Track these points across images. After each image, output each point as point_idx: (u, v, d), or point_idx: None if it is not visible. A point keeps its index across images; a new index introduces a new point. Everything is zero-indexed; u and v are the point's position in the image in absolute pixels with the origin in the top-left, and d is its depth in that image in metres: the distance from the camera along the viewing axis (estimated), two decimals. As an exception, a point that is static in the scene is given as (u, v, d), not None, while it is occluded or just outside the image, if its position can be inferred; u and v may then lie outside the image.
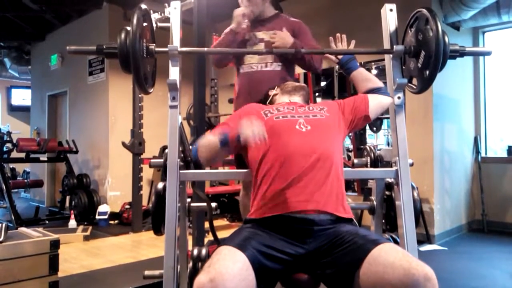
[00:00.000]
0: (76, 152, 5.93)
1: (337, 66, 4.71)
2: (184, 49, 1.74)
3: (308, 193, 1.47)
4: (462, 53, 1.66)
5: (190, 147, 1.72)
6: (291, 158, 1.52)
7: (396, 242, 1.71)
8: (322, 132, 1.62)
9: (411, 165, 1.71)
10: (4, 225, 2.39)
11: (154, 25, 2.78)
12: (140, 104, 4.70)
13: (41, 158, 5.92)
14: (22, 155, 5.66)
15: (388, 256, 1.25)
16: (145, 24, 1.65)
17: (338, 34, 1.91)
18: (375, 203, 1.86)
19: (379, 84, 1.85)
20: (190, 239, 2.90)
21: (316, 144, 1.56)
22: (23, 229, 2.73)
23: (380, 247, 1.30)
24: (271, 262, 1.35)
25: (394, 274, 1.19)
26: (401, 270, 1.18)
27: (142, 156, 4.75)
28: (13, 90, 10.20)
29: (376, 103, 1.78)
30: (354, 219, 1.57)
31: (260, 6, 2.35)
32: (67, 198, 5.85)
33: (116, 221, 5.33)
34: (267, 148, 1.57)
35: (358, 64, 1.93)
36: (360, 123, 1.80)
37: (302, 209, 1.45)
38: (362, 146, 3.36)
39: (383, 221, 1.86)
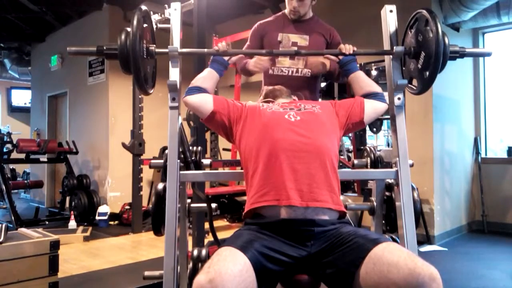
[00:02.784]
0: (76, 153, 5.93)
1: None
2: (184, 50, 1.74)
3: (296, 186, 1.47)
4: (462, 54, 1.66)
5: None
6: (277, 148, 1.52)
7: (396, 242, 1.71)
8: (312, 123, 1.62)
9: (411, 166, 1.71)
10: (4, 225, 2.39)
11: (154, 26, 2.77)
12: (140, 105, 4.70)
13: (41, 159, 5.92)
14: (22, 156, 5.66)
15: (393, 256, 1.24)
16: (145, 25, 1.65)
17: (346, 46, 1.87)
18: (375, 204, 1.86)
19: (377, 89, 1.83)
20: (190, 240, 2.90)
21: (304, 133, 1.57)
22: (23, 230, 2.73)
23: (383, 246, 1.30)
24: (272, 264, 1.35)
25: (399, 274, 1.19)
26: (406, 270, 1.18)
27: (142, 157, 4.75)
28: (13, 91, 10.19)
29: (371, 109, 1.78)
30: (347, 214, 1.58)
31: (307, 7, 2.28)
32: (67, 198, 5.84)
33: (116, 222, 5.32)
34: (255, 136, 1.60)
35: (358, 66, 1.93)
36: (354, 127, 1.80)
37: (294, 203, 1.45)
38: (362, 147, 3.36)
39: (383, 221, 1.86)
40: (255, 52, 2.27)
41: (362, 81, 1.87)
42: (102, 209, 5.16)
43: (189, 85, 1.79)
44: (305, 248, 1.42)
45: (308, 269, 1.44)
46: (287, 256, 1.39)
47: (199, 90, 1.77)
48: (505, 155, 5.13)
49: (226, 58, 1.85)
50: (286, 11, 2.32)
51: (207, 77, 1.82)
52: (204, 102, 1.73)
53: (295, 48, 2.20)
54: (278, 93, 1.91)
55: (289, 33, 2.27)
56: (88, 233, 4.36)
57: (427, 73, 1.58)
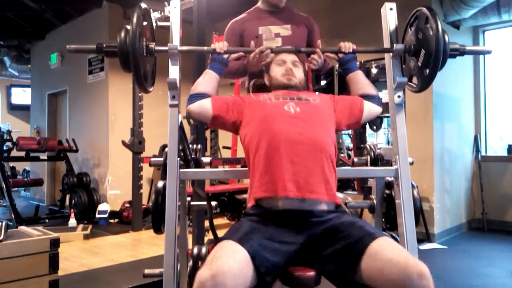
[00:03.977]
0: (76, 151, 5.93)
1: (337, 65, 4.71)
2: (184, 48, 1.73)
3: (294, 178, 1.50)
4: (462, 52, 1.66)
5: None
6: (277, 140, 1.55)
7: (396, 240, 1.71)
8: (311, 115, 1.64)
9: (411, 163, 1.71)
10: (4, 224, 2.39)
11: (154, 24, 2.76)
12: (140, 103, 4.70)
13: (41, 157, 5.92)
14: (22, 153, 5.66)
15: (388, 253, 1.28)
16: (145, 23, 1.65)
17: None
18: (375, 201, 1.86)
19: (374, 92, 1.86)
20: (190, 238, 2.91)
21: (303, 125, 1.58)
22: (23, 228, 2.73)
23: (380, 243, 1.33)
24: (271, 254, 1.38)
25: (392, 271, 1.23)
26: (398, 267, 1.22)
27: (142, 155, 4.75)
28: (13, 89, 10.19)
29: (367, 111, 1.80)
30: (342, 205, 1.60)
31: None
32: (67, 196, 5.84)
33: (116, 220, 5.32)
34: (255, 128, 1.62)
35: (358, 66, 1.93)
36: (349, 126, 1.83)
37: (290, 195, 1.48)
38: (362, 145, 3.36)
39: (383, 219, 1.86)
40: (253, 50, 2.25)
41: (361, 82, 1.88)
42: (102, 207, 5.15)
43: (190, 92, 1.78)
44: (302, 236, 1.46)
45: (307, 260, 1.46)
46: (286, 244, 1.42)
47: (199, 96, 1.75)
48: (505, 153, 5.13)
49: (225, 56, 1.84)
50: (260, 4, 2.27)
51: (206, 80, 1.81)
52: (204, 110, 1.74)
53: (280, 39, 2.16)
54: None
55: (269, 25, 2.20)
56: (88, 231, 4.37)
57: (427, 71, 1.58)
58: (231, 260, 1.24)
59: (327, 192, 1.53)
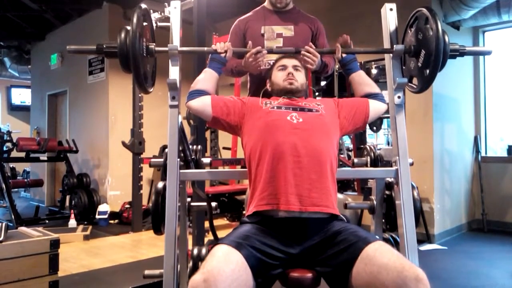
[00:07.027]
0: (76, 151, 5.93)
1: (337, 66, 4.72)
2: (184, 48, 1.74)
3: (297, 191, 1.50)
4: (462, 53, 1.66)
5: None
6: (279, 152, 1.54)
7: (396, 241, 1.72)
8: (314, 125, 1.63)
9: (411, 164, 1.71)
10: (4, 224, 2.39)
11: (154, 25, 2.76)
12: (140, 104, 4.70)
13: (41, 158, 5.91)
14: (22, 154, 5.66)
15: (383, 258, 1.29)
16: (145, 23, 1.65)
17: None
18: (375, 202, 1.86)
19: (377, 90, 1.86)
20: (190, 239, 2.90)
21: (306, 137, 1.58)
22: (23, 229, 2.73)
23: (374, 247, 1.34)
24: (267, 259, 1.39)
25: (388, 276, 1.23)
26: (394, 272, 1.23)
27: (142, 156, 4.75)
28: (13, 90, 10.18)
29: (374, 110, 1.80)
30: (340, 215, 1.60)
31: None
32: (67, 197, 5.84)
33: (116, 221, 5.33)
34: (257, 137, 1.62)
35: (359, 66, 1.93)
36: (355, 130, 1.83)
37: (292, 208, 1.49)
38: (362, 146, 3.36)
39: (383, 220, 1.86)
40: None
41: (363, 81, 1.88)
42: (102, 207, 5.15)
43: (190, 89, 1.78)
44: (298, 245, 1.46)
45: (303, 265, 1.47)
46: (281, 252, 1.44)
47: (200, 93, 1.76)
48: (505, 154, 5.13)
49: (223, 55, 1.83)
50: (266, 3, 2.28)
51: (206, 78, 1.81)
52: (204, 108, 1.74)
53: (281, 40, 2.16)
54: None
55: (273, 25, 2.20)
56: (88, 232, 4.36)
57: (427, 71, 1.58)
58: (222, 263, 1.25)
59: (328, 204, 1.53)
